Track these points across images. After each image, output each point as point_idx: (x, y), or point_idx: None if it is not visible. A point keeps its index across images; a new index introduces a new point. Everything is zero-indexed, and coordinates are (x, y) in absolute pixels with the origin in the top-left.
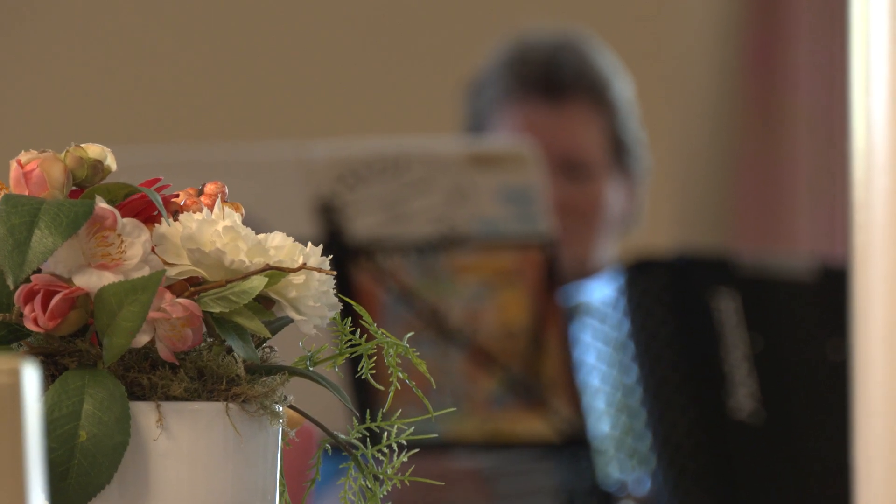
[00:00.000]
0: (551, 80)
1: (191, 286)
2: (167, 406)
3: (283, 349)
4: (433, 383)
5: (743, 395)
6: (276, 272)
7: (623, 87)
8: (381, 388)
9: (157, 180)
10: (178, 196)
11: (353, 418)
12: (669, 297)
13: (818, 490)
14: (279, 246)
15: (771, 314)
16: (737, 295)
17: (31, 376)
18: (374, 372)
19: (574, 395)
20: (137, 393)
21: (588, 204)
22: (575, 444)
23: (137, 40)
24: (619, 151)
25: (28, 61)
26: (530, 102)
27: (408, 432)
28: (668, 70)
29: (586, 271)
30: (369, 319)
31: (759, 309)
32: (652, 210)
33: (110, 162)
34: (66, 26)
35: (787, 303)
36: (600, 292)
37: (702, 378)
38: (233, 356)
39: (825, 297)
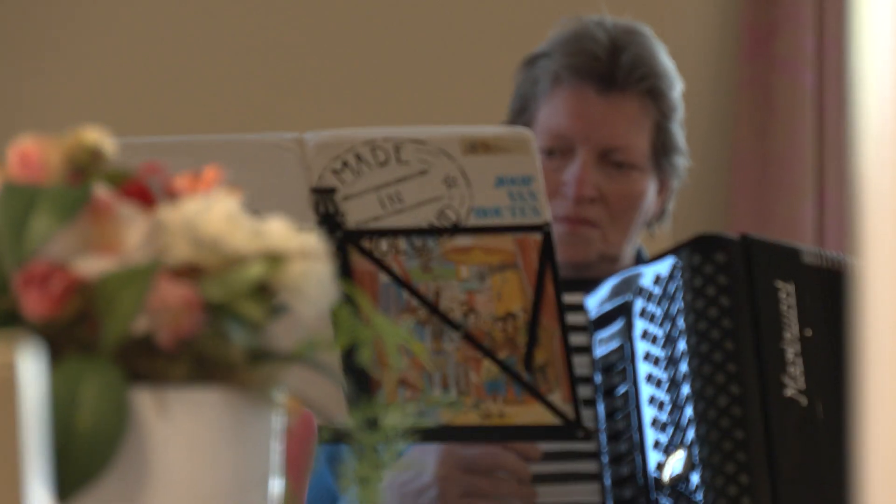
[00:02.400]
0: (612, 69)
1: (189, 272)
2: (166, 392)
3: (282, 335)
4: (432, 370)
5: (786, 380)
6: (274, 258)
7: (676, 88)
8: (378, 377)
9: (156, 164)
10: (176, 180)
11: (352, 405)
12: (726, 274)
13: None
14: (278, 231)
15: (824, 304)
16: (793, 280)
17: (30, 363)
18: (373, 357)
19: (571, 379)
20: (136, 379)
21: (626, 198)
22: (573, 429)
23: (136, 37)
24: (662, 151)
25: (31, 54)
26: (586, 87)
27: (407, 421)
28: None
29: (612, 266)
30: (369, 306)
31: (813, 297)
32: None
33: (109, 147)
34: (65, 20)
35: (841, 294)
36: (655, 267)
37: (748, 358)
38: (231, 342)
39: None
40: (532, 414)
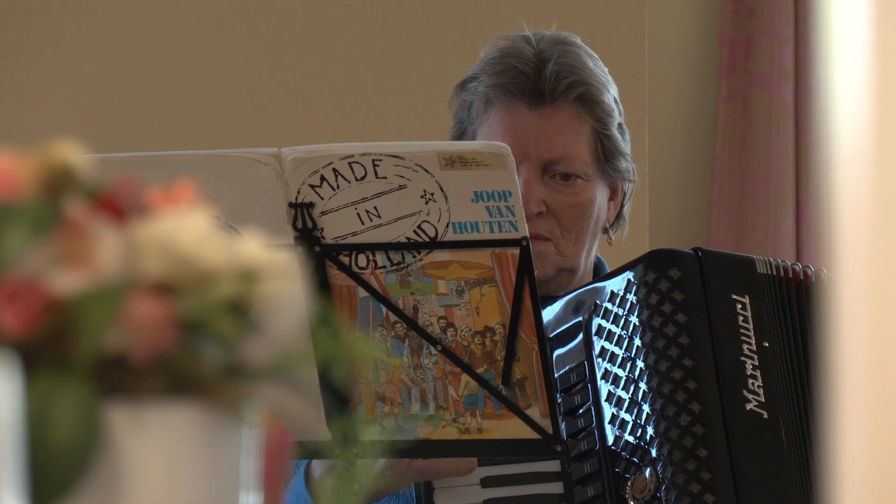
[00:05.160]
0: (538, 82)
1: (163, 288)
2: (139, 409)
3: (257, 349)
4: (409, 384)
5: (747, 394)
6: (249, 274)
7: (610, 92)
8: (356, 392)
9: (130, 178)
10: (150, 195)
11: (329, 420)
12: (681, 290)
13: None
14: (252, 247)
15: (780, 313)
16: (748, 292)
17: (2, 380)
18: (351, 373)
19: (550, 395)
20: (109, 396)
21: (574, 208)
22: (552, 443)
23: (115, 51)
24: (604, 156)
25: (5, 66)
26: (517, 104)
27: (385, 436)
28: (640, 72)
29: (571, 277)
30: (344, 322)
31: (768, 308)
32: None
33: (83, 162)
34: (41, 31)
35: (795, 302)
36: (610, 284)
37: (708, 374)
38: (205, 359)
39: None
40: (511, 429)
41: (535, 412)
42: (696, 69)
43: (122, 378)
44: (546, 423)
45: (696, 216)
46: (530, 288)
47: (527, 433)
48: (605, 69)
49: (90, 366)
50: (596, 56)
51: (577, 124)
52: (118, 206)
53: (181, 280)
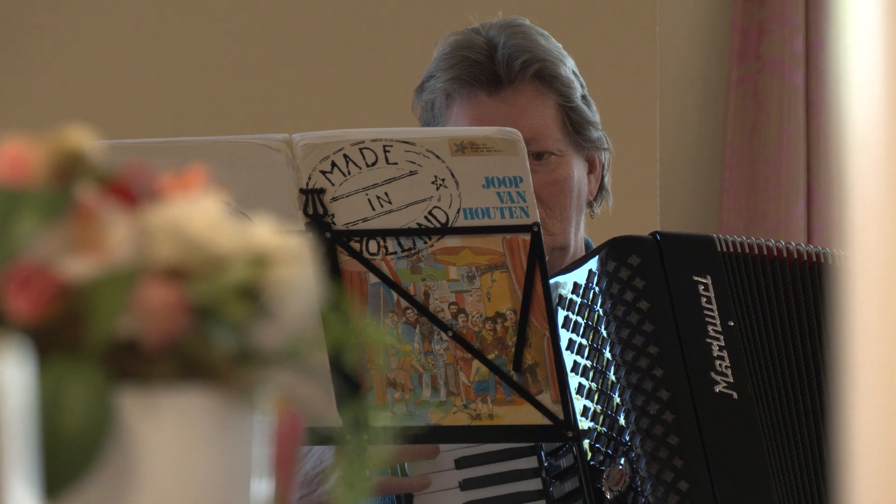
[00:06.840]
0: (493, 67)
1: (174, 273)
2: (151, 394)
3: (268, 334)
4: (420, 370)
5: (715, 376)
6: (260, 259)
7: (567, 66)
8: (367, 378)
9: (141, 164)
10: (162, 180)
11: (340, 406)
12: (641, 277)
13: (789, 469)
14: (264, 232)
15: (744, 290)
16: (710, 272)
17: (14, 365)
18: (362, 359)
19: (560, 380)
20: (120, 380)
21: (552, 185)
22: (563, 429)
23: (126, 37)
24: (573, 129)
25: (17, 53)
26: (477, 94)
27: (396, 422)
28: (652, 58)
29: (563, 255)
30: (355, 308)
31: (732, 286)
32: (635, 205)
33: (93, 147)
34: (52, 18)
35: (761, 281)
36: (573, 276)
37: (674, 360)
38: (217, 344)
39: (800, 277)
40: (522, 414)
41: (546, 398)
42: (708, 55)
43: (133, 364)
44: (557, 409)
45: (707, 202)
46: (541, 273)
47: (538, 419)
48: (559, 45)
49: (102, 352)
50: (547, 34)
51: (540, 101)
52: (129, 192)
53: (193, 265)
